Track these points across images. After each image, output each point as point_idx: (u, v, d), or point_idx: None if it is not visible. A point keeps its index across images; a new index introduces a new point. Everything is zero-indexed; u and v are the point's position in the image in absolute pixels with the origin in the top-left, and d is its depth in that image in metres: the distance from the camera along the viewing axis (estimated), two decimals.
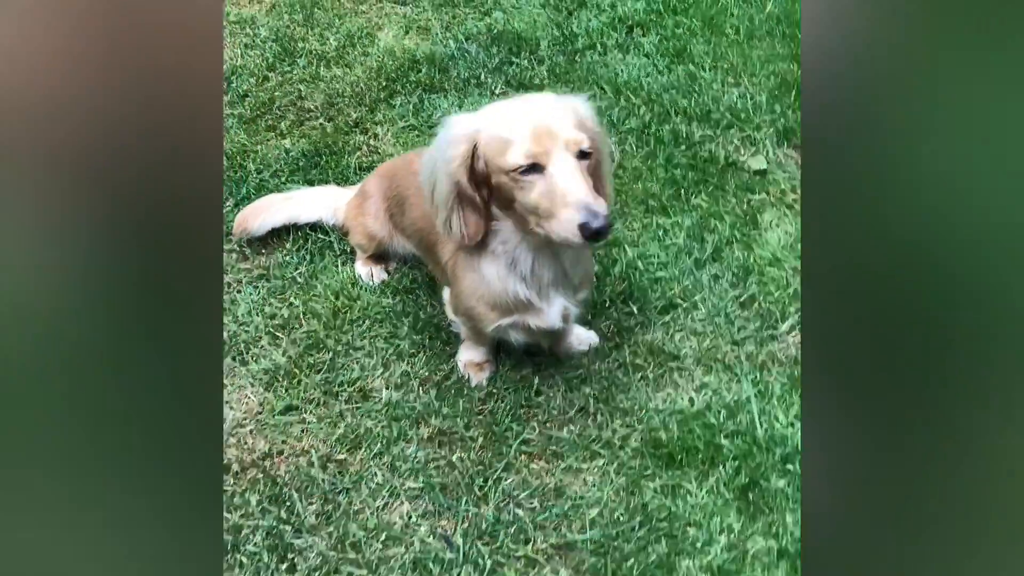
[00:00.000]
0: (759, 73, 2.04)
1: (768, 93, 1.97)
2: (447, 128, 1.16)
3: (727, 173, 1.78)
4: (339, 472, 1.28)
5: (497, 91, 2.02)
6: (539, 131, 1.08)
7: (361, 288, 1.56)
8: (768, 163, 1.79)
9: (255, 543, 1.20)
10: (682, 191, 1.73)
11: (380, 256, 1.59)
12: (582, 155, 1.10)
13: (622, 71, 2.07)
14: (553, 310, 1.25)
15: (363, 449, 1.30)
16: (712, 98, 1.96)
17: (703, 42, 2.16)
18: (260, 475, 1.28)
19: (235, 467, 1.29)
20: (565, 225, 1.06)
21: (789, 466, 1.26)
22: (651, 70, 2.08)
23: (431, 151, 1.19)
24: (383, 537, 1.20)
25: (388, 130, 1.94)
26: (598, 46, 2.17)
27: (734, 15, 2.24)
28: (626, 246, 1.62)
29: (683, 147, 1.83)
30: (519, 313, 1.25)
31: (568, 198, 1.06)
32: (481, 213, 1.17)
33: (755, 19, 2.22)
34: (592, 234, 1.05)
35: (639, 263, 1.58)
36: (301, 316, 1.51)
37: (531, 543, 1.19)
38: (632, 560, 1.16)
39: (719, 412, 1.34)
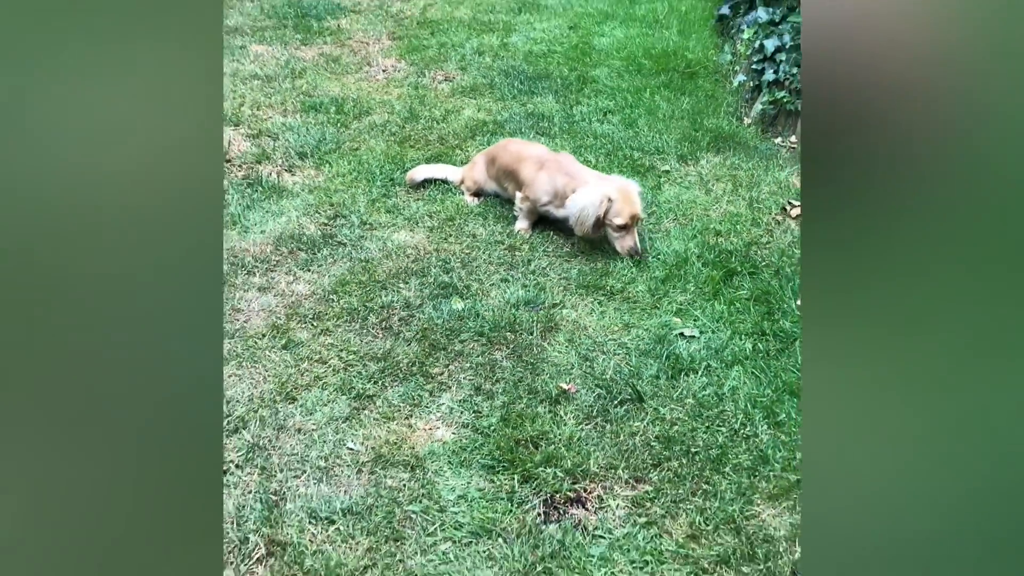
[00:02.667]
0: (669, 131, 3.80)
1: (674, 140, 3.72)
2: (597, 190, 2.80)
3: (650, 171, 3.49)
4: (471, 252, 2.87)
5: (531, 136, 3.77)
6: (633, 210, 2.77)
7: (464, 206, 3.21)
8: (670, 168, 3.51)
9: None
10: (629, 176, 3.42)
11: (476, 192, 3.25)
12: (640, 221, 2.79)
13: (600, 131, 3.83)
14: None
15: (482, 250, 2.90)
16: (645, 141, 3.71)
17: (644, 117, 3.95)
18: (429, 263, 2.87)
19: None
20: (624, 250, 2.75)
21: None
22: (615, 131, 3.84)
23: (587, 196, 2.83)
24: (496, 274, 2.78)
25: (473, 150, 3.66)
26: (586, 120, 3.96)
27: (662, 108, 4.06)
28: None
29: (629, 161, 3.55)
30: (552, 206, 2.91)
31: (628, 246, 2.74)
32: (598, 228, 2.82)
33: (673, 109, 4.03)
34: (634, 254, 2.74)
35: None
36: (441, 211, 3.15)
37: (549, 288, 2.77)
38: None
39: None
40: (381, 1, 6.05)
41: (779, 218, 3.13)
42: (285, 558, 1.73)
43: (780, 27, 3.92)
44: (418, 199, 3.24)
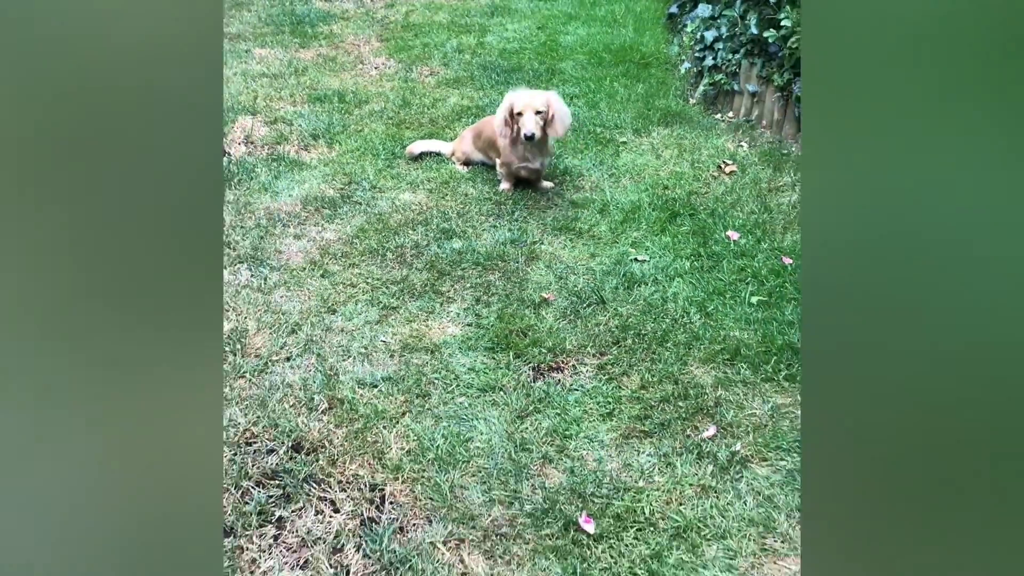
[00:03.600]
0: (626, 111, 4.48)
1: (630, 117, 4.39)
2: (505, 99, 3.50)
3: (610, 142, 4.15)
4: (464, 207, 3.50)
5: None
6: (526, 103, 3.43)
7: (456, 172, 3.84)
8: (626, 140, 4.17)
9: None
10: (593, 148, 4.08)
11: (466, 162, 3.89)
12: (538, 113, 3.44)
13: (574, 109, 4.49)
14: (536, 163, 3.55)
15: (473, 206, 3.53)
16: (606, 119, 4.38)
17: (604, 100, 4.62)
18: (429, 217, 3.50)
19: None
20: (524, 133, 3.39)
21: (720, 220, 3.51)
22: (581, 111, 4.51)
23: (500, 107, 3.53)
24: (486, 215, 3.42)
25: (460, 128, 4.30)
26: None
27: (620, 92, 4.73)
28: (566, 161, 3.94)
29: (592, 135, 4.21)
30: (524, 163, 3.55)
31: (524, 128, 3.40)
32: (512, 129, 3.48)
33: (630, 93, 4.71)
34: (527, 137, 3.37)
35: (572, 164, 3.90)
36: (437, 177, 3.78)
37: (530, 231, 3.41)
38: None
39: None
40: (367, 8, 6.69)
41: (715, 174, 3.81)
42: (343, 409, 2.35)
43: (718, 21, 4.61)
44: (417, 168, 3.86)
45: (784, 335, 2.64)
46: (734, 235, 3.24)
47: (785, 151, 4.00)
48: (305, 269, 3.03)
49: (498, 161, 3.64)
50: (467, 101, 4.67)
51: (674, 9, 5.59)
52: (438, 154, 3.95)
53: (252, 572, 1.87)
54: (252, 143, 4.09)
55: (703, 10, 4.73)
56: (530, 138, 3.31)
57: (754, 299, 2.83)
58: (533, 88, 3.63)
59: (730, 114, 4.46)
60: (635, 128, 4.28)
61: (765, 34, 3.98)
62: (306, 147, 4.06)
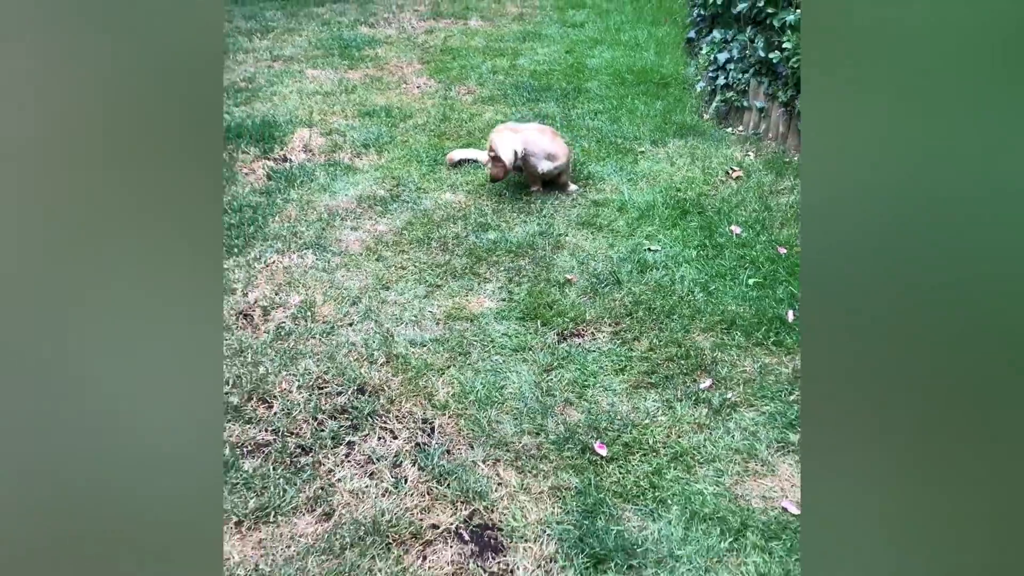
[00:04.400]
0: (645, 125, 4.94)
1: (648, 131, 4.86)
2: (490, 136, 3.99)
3: (629, 152, 4.61)
4: (499, 205, 3.98)
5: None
6: (496, 143, 3.91)
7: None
8: (644, 150, 4.63)
9: None
10: (614, 156, 4.55)
11: None
12: (494, 158, 3.92)
13: (591, 125, 4.97)
14: (559, 161, 4.02)
15: (507, 204, 4.00)
16: (627, 132, 4.85)
17: (625, 116, 5.09)
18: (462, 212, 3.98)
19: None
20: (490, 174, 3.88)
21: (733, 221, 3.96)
22: (604, 125, 4.98)
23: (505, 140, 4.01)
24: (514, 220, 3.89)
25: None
26: (581, 118, 5.10)
27: (640, 108, 5.20)
28: (589, 167, 4.41)
29: (614, 146, 4.68)
30: (551, 164, 4.03)
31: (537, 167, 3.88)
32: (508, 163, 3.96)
33: (649, 109, 5.18)
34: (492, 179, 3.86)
35: (595, 170, 4.37)
36: (475, 180, 4.27)
37: (556, 224, 3.87)
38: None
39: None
40: (408, 34, 7.26)
41: (723, 179, 4.25)
42: (398, 362, 2.81)
43: (730, 44, 5.08)
44: (456, 173, 4.36)
45: (774, 309, 3.06)
46: (736, 229, 3.67)
47: (787, 159, 4.43)
48: (362, 254, 3.51)
49: (530, 173, 4.12)
50: (501, 116, 5.17)
51: (692, 34, 6.06)
52: (475, 161, 4.44)
53: (330, 480, 2.33)
54: (310, 151, 4.62)
55: (716, 34, 5.19)
56: (494, 180, 3.89)
57: (751, 281, 3.26)
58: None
59: (740, 128, 4.90)
60: (652, 139, 4.74)
61: (771, 55, 4.43)
62: (358, 155, 4.57)
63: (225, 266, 3.41)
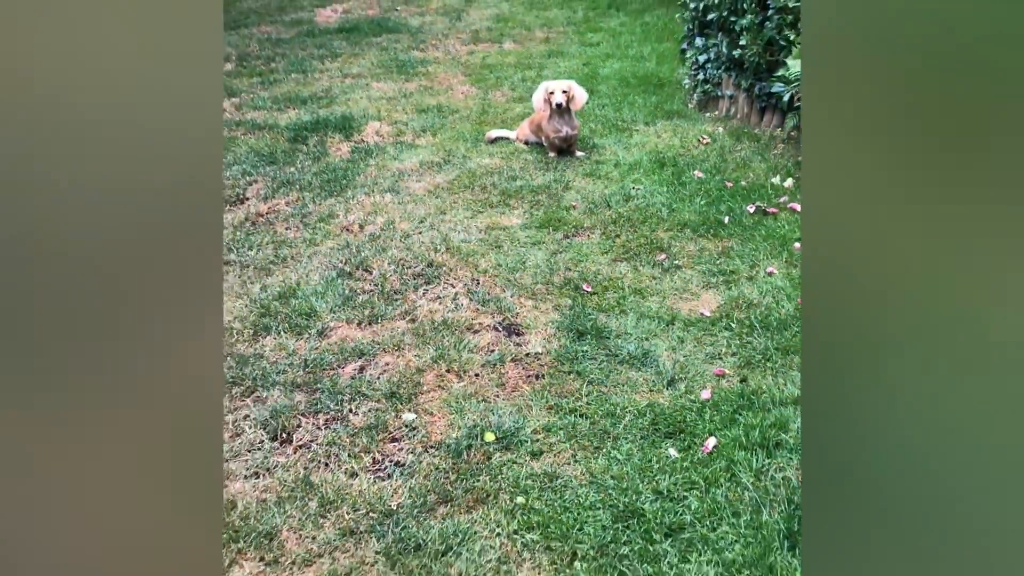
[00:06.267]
0: (641, 112, 6.29)
1: (642, 115, 6.20)
2: (540, 86, 5.37)
3: (626, 129, 5.95)
4: (524, 165, 5.35)
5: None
6: (555, 85, 5.30)
7: (519, 148, 5.70)
8: (638, 128, 5.97)
9: None
10: (614, 133, 5.89)
11: (525, 142, 5.74)
12: (563, 92, 5.29)
13: (599, 114, 6.33)
14: (564, 131, 5.37)
15: (531, 164, 5.38)
16: (626, 117, 6.20)
17: (627, 106, 6.45)
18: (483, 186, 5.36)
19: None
20: (554, 103, 5.26)
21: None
22: (609, 113, 6.34)
23: (537, 91, 5.40)
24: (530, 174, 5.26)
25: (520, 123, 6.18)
26: (592, 111, 6.47)
27: (638, 101, 6.56)
28: (594, 140, 5.76)
29: (615, 126, 6.03)
30: (557, 133, 5.38)
31: (554, 100, 5.26)
32: (548, 104, 5.34)
33: (645, 101, 6.53)
34: (558, 105, 5.23)
35: (598, 142, 5.72)
36: (507, 150, 5.65)
37: (567, 176, 5.21)
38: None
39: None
40: (453, 55, 8.76)
41: (695, 145, 5.57)
42: (453, 249, 4.16)
43: (708, 48, 6.43)
44: (494, 147, 5.75)
45: (716, 216, 4.35)
46: (699, 174, 4.98)
47: (746, 130, 5.73)
48: (425, 196, 4.90)
49: (544, 139, 5.50)
50: (528, 110, 6.57)
51: (684, 46, 7.42)
52: (507, 138, 5.82)
53: (413, 305, 3.67)
54: (381, 135, 6.06)
55: (698, 42, 6.55)
56: (559, 106, 5.16)
57: (701, 202, 4.56)
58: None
59: (716, 112, 6.23)
60: (645, 121, 6.09)
61: (734, 52, 5.76)
62: (418, 136, 6.00)
63: (328, 202, 4.82)
